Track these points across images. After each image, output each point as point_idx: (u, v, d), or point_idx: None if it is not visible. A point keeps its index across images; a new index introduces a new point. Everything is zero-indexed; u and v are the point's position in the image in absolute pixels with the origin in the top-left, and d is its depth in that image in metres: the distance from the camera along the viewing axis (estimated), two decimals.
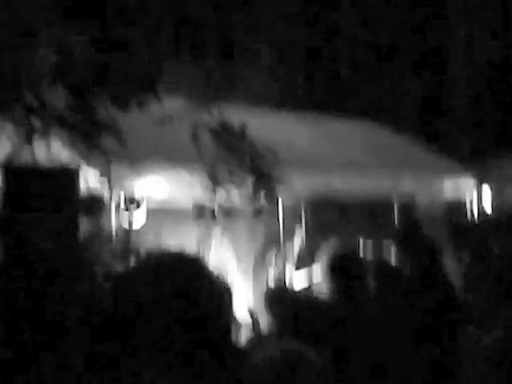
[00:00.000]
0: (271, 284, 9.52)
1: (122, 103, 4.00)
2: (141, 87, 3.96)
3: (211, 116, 4.14)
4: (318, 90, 12.40)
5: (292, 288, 6.08)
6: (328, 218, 10.33)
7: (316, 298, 5.94)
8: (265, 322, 5.21)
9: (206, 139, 4.10)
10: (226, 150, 3.97)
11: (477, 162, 10.94)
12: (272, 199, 3.95)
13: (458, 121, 13.63)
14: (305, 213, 10.75)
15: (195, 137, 4.22)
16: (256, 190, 3.98)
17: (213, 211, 3.89)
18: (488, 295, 5.60)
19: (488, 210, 10.13)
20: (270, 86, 11.06)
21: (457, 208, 10.43)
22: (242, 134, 3.94)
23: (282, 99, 10.85)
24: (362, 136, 10.79)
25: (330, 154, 9.57)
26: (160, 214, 9.09)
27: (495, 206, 10.15)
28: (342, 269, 5.14)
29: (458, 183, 10.32)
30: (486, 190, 10.30)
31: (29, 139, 3.93)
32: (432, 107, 13.81)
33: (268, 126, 9.27)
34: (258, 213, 4.05)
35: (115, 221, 7.12)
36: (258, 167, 3.87)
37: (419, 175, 9.91)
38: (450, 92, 14.10)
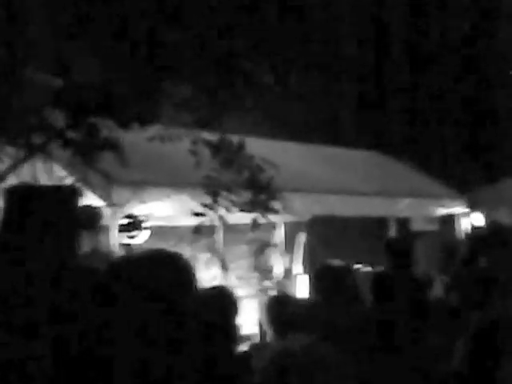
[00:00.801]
0: (271, 292, 9.49)
1: (124, 123, 3.92)
2: (142, 107, 3.89)
3: (210, 133, 4.07)
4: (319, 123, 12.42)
5: (291, 295, 5.96)
6: (325, 234, 10.43)
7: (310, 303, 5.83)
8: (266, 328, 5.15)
9: (205, 155, 4.03)
10: (225, 165, 3.89)
11: (468, 189, 11.22)
12: (270, 212, 3.86)
13: (452, 151, 13.70)
14: (304, 228, 10.80)
15: (194, 152, 4.15)
16: (254, 204, 3.89)
17: (212, 226, 3.80)
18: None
19: (477, 230, 10.43)
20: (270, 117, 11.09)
21: (448, 228, 10.73)
22: (240, 149, 3.87)
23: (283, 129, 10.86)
24: (360, 163, 10.82)
25: (330, 178, 9.56)
26: (160, 232, 9.09)
27: (484, 226, 10.45)
28: (330, 277, 5.02)
29: (451, 207, 10.48)
30: (476, 213, 10.60)
31: (29, 158, 3.86)
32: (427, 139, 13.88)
33: (271, 154, 9.30)
34: (256, 225, 3.95)
35: (117, 240, 7.05)
36: (256, 181, 3.79)
37: (414, 200, 9.99)
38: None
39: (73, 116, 3.85)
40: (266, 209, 3.83)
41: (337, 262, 7.65)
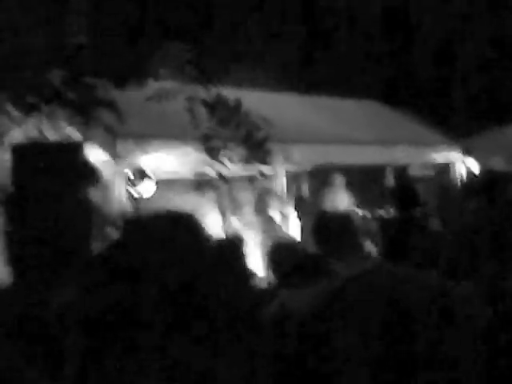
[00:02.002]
0: (273, 238, 9.44)
1: (120, 82, 3.74)
2: (139, 67, 3.71)
3: (207, 92, 3.88)
4: (317, 71, 12.13)
5: (293, 241, 5.86)
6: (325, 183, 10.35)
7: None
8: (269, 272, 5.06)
9: (202, 113, 3.85)
10: (221, 123, 3.72)
11: (464, 135, 11.06)
12: (267, 166, 3.71)
13: (450, 99, 13.42)
14: (303, 179, 10.70)
15: (191, 110, 3.96)
16: (251, 160, 3.74)
17: (212, 179, 3.67)
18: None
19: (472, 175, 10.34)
20: (269, 68, 10.82)
21: (445, 174, 10.65)
22: (236, 107, 3.68)
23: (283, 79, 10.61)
24: (359, 112, 10.62)
25: (329, 128, 9.37)
26: (166, 183, 8.99)
27: (479, 173, 10.35)
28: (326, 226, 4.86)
29: (447, 154, 10.33)
30: (472, 159, 10.45)
31: (28, 115, 3.70)
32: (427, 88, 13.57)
33: (268, 105, 9.11)
34: (254, 179, 3.80)
35: (123, 193, 6.93)
36: (252, 138, 3.63)
37: (412, 147, 9.82)
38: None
39: (70, 76, 3.67)
40: (263, 164, 3.67)
41: (336, 210, 7.57)
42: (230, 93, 4.25)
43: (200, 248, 1.88)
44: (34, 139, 4.26)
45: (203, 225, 1.95)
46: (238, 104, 3.68)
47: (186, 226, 1.93)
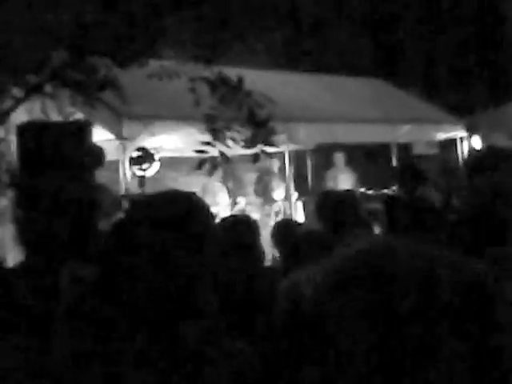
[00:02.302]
0: (276, 217, 9.46)
1: (122, 61, 3.70)
2: (141, 45, 3.66)
3: (209, 70, 3.83)
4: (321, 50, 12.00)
5: (295, 221, 5.81)
6: (329, 162, 10.30)
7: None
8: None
9: (204, 92, 3.81)
10: (224, 102, 3.67)
11: (467, 113, 10.95)
12: (270, 146, 3.67)
13: (454, 77, 13.27)
14: (308, 157, 10.66)
15: (193, 90, 3.92)
16: (254, 140, 3.69)
17: (215, 158, 3.63)
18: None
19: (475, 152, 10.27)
20: (273, 47, 10.71)
21: (449, 152, 10.57)
22: (239, 86, 3.64)
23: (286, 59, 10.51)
24: (364, 90, 10.52)
25: (333, 107, 9.28)
26: (172, 162, 8.97)
27: (481, 149, 10.28)
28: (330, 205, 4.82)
29: (451, 132, 10.24)
30: (476, 137, 10.38)
31: (28, 97, 3.66)
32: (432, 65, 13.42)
33: (271, 84, 9.03)
34: (257, 159, 3.75)
35: (128, 172, 6.92)
36: (255, 117, 3.58)
37: (416, 125, 9.74)
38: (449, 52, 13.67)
39: (71, 55, 3.63)
40: (266, 144, 3.62)
41: (340, 189, 7.53)
42: (232, 71, 4.20)
43: (212, 226, 1.82)
44: (39, 119, 4.21)
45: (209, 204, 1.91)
46: (240, 82, 3.62)
47: (194, 204, 1.87)
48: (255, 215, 9.11)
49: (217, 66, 4.17)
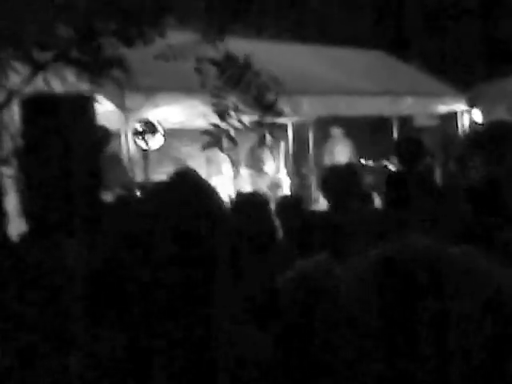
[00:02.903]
0: (281, 194, 9.41)
1: (128, 40, 3.59)
2: (146, 23, 3.55)
3: (215, 49, 3.72)
4: (324, 21, 11.78)
5: (299, 197, 5.73)
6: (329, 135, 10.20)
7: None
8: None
9: (211, 72, 3.70)
10: (231, 83, 3.57)
11: (468, 86, 10.78)
12: (277, 128, 3.57)
13: (454, 49, 13.05)
14: (310, 130, 10.55)
15: (199, 70, 3.80)
16: (261, 123, 3.60)
17: (221, 135, 3.53)
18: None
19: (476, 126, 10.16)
20: (276, 19, 10.51)
21: (449, 124, 10.46)
22: (246, 66, 3.53)
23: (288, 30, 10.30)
24: (366, 63, 10.35)
25: (335, 79, 9.14)
26: (175, 133, 8.86)
27: (483, 123, 10.17)
28: (334, 181, 4.74)
29: (452, 105, 10.11)
30: (476, 110, 10.25)
31: (34, 75, 3.56)
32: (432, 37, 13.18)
33: (275, 56, 8.88)
34: (262, 142, 3.66)
35: (132, 144, 6.83)
36: (263, 99, 3.48)
37: (417, 98, 9.61)
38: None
39: (77, 34, 3.52)
40: (272, 127, 3.53)
41: (341, 164, 7.44)
42: (236, 43, 4.08)
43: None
44: (43, 92, 4.10)
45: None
46: (247, 62, 3.52)
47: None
48: (249, 187, 9.07)
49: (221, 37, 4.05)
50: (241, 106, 3.55)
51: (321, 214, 4.64)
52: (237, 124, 3.58)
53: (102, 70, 3.72)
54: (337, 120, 9.53)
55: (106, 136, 5.77)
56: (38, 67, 3.51)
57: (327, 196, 4.63)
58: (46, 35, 3.51)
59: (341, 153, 9.95)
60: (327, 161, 9.81)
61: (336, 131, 10.03)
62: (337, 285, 1.61)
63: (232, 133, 3.60)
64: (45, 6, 3.48)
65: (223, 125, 3.61)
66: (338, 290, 1.55)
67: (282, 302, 1.86)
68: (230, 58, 3.62)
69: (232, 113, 3.56)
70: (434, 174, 6.66)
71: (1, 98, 4.35)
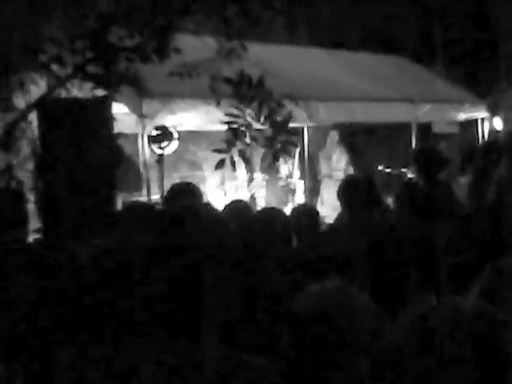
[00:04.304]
0: (295, 201, 9.43)
1: (143, 55, 3.65)
2: (161, 38, 3.60)
3: (230, 67, 3.76)
4: (341, 26, 11.77)
5: (313, 205, 5.74)
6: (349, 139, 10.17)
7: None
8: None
9: (225, 89, 3.74)
10: (245, 101, 3.61)
11: (489, 93, 10.72)
12: (290, 146, 3.60)
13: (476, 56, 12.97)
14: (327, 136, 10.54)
15: (213, 89, 3.86)
16: (273, 140, 3.64)
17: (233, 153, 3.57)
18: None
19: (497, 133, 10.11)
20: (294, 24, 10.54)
21: (469, 131, 10.41)
22: (259, 85, 3.56)
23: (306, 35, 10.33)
24: (386, 68, 10.33)
25: (353, 85, 9.14)
26: (192, 136, 8.93)
27: (503, 130, 10.12)
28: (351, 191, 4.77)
29: (472, 112, 10.07)
30: (496, 117, 10.26)
31: (56, 87, 3.64)
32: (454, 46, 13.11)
33: (292, 61, 8.90)
34: (277, 159, 3.70)
35: (147, 149, 6.90)
36: (275, 118, 3.51)
37: (437, 104, 9.58)
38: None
39: (93, 49, 3.59)
40: (286, 145, 3.56)
41: (358, 174, 7.44)
42: (254, 48, 4.10)
43: None
44: (60, 99, 4.19)
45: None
46: (261, 81, 3.55)
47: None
48: (262, 192, 9.10)
49: (237, 40, 4.06)
50: (254, 124, 3.59)
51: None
52: (250, 142, 3.63)
53: (117, 85, 3.79)
54: (353, 126, 9.51)
55: (119, 154, 5.86)
56: (59, 82, 3.59)
57: (344, 207, 4.68)
58: (64, 50, 3.59)
59: (338, 158, 9.89)
60: (324, 166, 9.79)
61: (333, 135, 9.95)
62: None
63: (245, 151, 3.66)
64: (62, 22, 3.55)
65: (237, 143, 3.67)
66: None
67: None
68: (243, 78, 3.66)
69: (245, 130, 3.61)
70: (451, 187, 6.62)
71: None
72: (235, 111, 3.64)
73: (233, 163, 3.72)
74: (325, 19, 11.83)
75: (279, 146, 3.57)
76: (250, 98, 3.61)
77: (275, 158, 3.74)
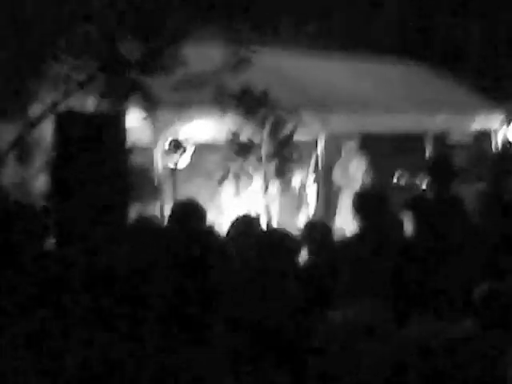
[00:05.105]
0: (308, 210, 9.50)
1: (148, 68, 3.77)
2: (167, 50, 3.72)
3: (235, 80, 3.86)
4: (356, 30, 11.85)
5: (324, 222, 5.79)
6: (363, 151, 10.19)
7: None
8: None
9: (230, 103, 3.84)
10: (248, 115, 3.70)
11: (505, 100, 10.69)
12: (293, 162, 3.68)
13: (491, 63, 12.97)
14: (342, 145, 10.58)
15: (219, 100, 3.98)
16: (277, 154, 3.73)
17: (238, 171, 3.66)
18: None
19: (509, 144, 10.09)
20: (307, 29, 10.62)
21: (484, 140, 10.39)
22: (263, 98, 3.66)
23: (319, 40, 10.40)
24: (398, 75, 10.38)
25: (366, 95, 9.20)
26: (205, 148, 9.03)
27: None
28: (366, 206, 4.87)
29: (487, 119, 10.04)
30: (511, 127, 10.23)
31: (74, 90, 3.79)
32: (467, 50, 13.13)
33: (306, 67, 8.98)
34: (281, 173, 3.78)
35: (160, 162, 7.02)
36: (278, 133, 3.60)
37: (452, 112, 9.59)
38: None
39: (104, 62, 3.73)
40: (289, 160, 3.64)
41: (372, 189, 7.47)
42: (266, 55, 4.17)
43: None
44: (75, 108, 4.33)
45: None
46: (264, 95, 3.64)
47: None
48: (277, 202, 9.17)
49: (250, 47, 4.13)
50: (256, 140, 3.69)
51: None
52: (254, 160, 3.73)
53: (126, 96, 3.93)
54: (366, 135, 9.53)
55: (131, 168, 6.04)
56: (79, 84, 3.73)
57: (358, 221, 4.78)
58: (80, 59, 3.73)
59: (356, 168, 9.93)
60: (339, 176, 9.84)
61: (350, 145, 10.01)
62: None
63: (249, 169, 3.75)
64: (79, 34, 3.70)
65: (241, 160, 3.77)
66: None
67: None
68: (246, 91, 3.76)
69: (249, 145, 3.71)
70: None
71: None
72: (239, 125, 3.74)
73: (237, 177, 3.82)
74: (338, 26, 11.91)
75: (280, 161, 3.65)
76: (253, 111, 3.70)
77: (279, 173, 3.82)
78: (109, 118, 4.78)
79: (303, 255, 5.23)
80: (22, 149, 4.07)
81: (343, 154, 10.23)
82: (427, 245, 4.88)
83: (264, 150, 3.61)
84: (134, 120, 6.43)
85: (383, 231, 4.76)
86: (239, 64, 3.84)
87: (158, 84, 5.07)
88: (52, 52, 3.82)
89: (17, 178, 4.74)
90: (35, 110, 4.20)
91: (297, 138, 6.55)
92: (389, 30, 12.58)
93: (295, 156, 3.52)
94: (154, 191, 7.51)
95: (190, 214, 4.33)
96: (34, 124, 3.69)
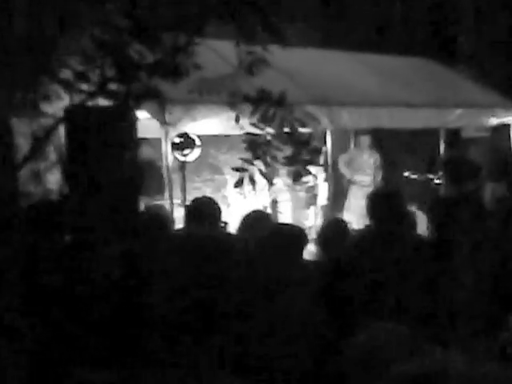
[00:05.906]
0: (318, 205, 9.49)
1: (162, 71, 3.73)
2: (180, 53, 3.68)
3: (250, 83, 3.83)
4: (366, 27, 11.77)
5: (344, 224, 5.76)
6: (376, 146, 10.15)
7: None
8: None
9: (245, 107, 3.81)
10: (265, 119, 3.67)
11: None
12: (313, 165, 3.66)
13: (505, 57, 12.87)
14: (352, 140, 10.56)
15: (233, 105, 3.93)
16: (295, 159, 3.70)
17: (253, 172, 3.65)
18: None
19: None
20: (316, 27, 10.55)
21: (500, 138, 10.29)
22: (280, 101, 3.62)
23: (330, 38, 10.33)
24: (411, 72, 10.28)
25: (379, 90, 9.12)
26: (213, 140, 9.01)
27: None
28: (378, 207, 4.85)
29: (503, 117, 9.95)
30: None
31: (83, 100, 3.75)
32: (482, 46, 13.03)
33: (317, 64, 8.91)
34: (298, 178, 3.76)
35: (170, 157, 7.01)
36: (297, 136, 3.56)
37: (467, 109, 9.50)
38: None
39: (117, 69, 3.69)
40: (307, 164, 3.61)
41: (386, 189, 7.43)
42: (275, 51, 4.13)
43: None
44: (85, 104, 4.29)
45: None
46: (282, 98, 3.61)
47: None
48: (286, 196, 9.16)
49: (257, 43, 4.09)
50: (274, 143, 3.66)
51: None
52: (270, 161, 3.70)
53: (139, 101, 3.89)
54: (379, 130, 9.49)
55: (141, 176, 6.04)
56: (88, 94, 3.69)
57: (373, 221, 4.75)
58: (87, 68, 3.69)
59: (367, 163, 9.91)
60: (346, 171, 9.80)
61: (363, 140, 9.97)
62: None
63: (265, 170, 3.73)
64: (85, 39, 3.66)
65: (256, 162, 3.74)
66: None
67: None
68: (263, 94, 3.72)
69: (265, 149, 3.68)
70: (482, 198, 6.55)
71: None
72: (255, 129, 3.71)
73: (252, 181, 3.79)
74: (344, 21, 11.83)
75: (300, 165, 3.62)
76: (270, 116, 3.67)
77: (296, 177, 3.80)
78: (118, 112, 4.75)
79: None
80: (36, 145, 4.05)
81: (353, 148, 10.21)
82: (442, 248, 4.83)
83: (281, 154, 3.58)
84: (143, 113, 6.42)
85: (397, 233, 4.72)
86: (255, 65, 3.79)
87: (170, 84, 5.05)
88: (58, 58, 3.78)
89: (29, 173, 4.73)
90: (48, 108, 4.16)
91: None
92: (403, 27, 12.48)
93: (316, 159, 3.48)
94: (162, 183, 7.51)
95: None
96: (48, 133, 3.65)
